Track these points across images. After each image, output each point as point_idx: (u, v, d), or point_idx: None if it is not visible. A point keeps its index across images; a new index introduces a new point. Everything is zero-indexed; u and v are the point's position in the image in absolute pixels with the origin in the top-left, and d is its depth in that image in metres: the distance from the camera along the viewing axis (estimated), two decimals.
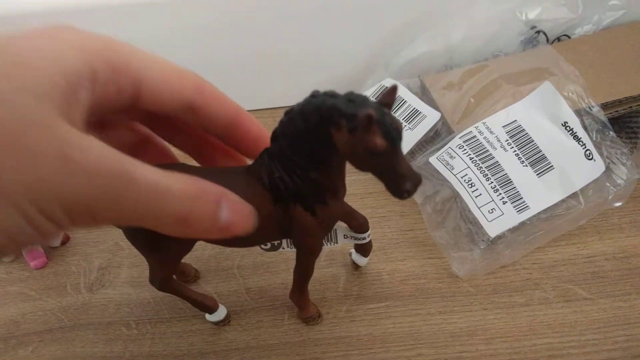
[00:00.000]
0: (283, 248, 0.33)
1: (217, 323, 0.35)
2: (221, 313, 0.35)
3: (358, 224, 0.33)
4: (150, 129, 0.26)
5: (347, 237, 0.34)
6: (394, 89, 0.21)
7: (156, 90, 0.21)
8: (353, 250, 0.37)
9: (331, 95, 0.21)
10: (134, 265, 0.39)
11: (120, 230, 0.42)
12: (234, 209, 0.20)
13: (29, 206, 0.16)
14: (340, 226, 0.33)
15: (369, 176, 0.44)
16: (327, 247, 0.34)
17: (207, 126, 0.23)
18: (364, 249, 0.36)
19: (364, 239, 0.34)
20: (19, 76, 0.16)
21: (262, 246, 0.33)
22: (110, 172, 0.16)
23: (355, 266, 0.37)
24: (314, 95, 0.22)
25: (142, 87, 0.20)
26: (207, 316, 0.35)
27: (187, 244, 0.29)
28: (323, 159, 0.23)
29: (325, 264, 0.38)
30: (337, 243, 0.34)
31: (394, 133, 0.20)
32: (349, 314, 0.35)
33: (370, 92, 0.45)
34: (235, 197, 0.20)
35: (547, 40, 0.47)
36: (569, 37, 0.48)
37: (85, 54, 0.18)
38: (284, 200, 0.25)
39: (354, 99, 0.21)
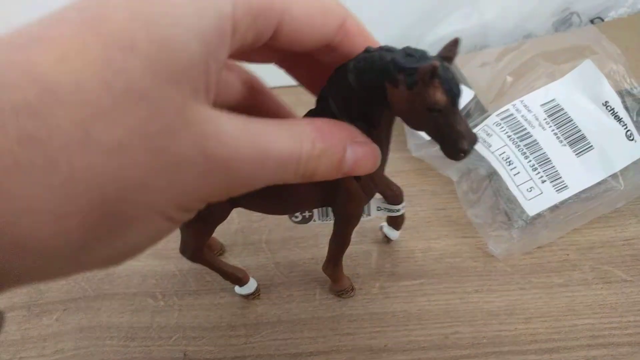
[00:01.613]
0: (314, 221, 0.32)
1: (247, 296, 0.34)
2: (252, 285, 0.34)
3: (393, 195, 0.32)
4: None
5: (381, 208, 0.33)
6: (455, 42, 0.20)
7: (296, 30, 0.18)
8: (384, 224, 0.36)
9: (387, 49, 0.20)
10: None
11: None
12: (360, 152, 0.20)
13: (174, 210, 0.16)
14: (375, 197, 0.32)
15: (398, 155, 0.44)
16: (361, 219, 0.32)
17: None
18: (396, 222, 0.35)
19: (398, 210, 0.33)
20: (156, 56, 0.14)
21: (293, 218, 0.32)
22: (247, 159, 0.16)
23: (387, 240, 0.37)
24: (368, 50, 0.20)
25: (283, 28, 0.18)
26: (237, 289, 0.34)
27: (224, 211, 0.28)
28: (372, 118, 0.22)
29: (357, 240, 0.37)
30: (369, 215, 0.33)
31: (455, 89, 0.19)
32: (382, 291, 0.34)
33: None
34: (361, 136, 0.20)
35: (580, 22, 0.46)
36: (603, 20, 0.47)
37: (225, 5, 0.16)
38: None
39: (412, 53, 0.19)
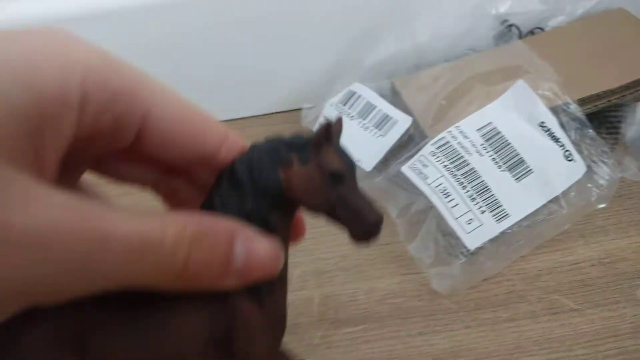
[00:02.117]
0: None
1: None
2: None
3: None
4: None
5: None
6: (339, 120, 0.18)
7: (169, 136, 0.16)
8: None
9: (272, 140, 0.19)
10: None
11: None
12: (255, 245, 0.16)
13: None
14: None
15: None
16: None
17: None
18: None
19: None
20: None
21: None
22: (77, 234, 0.12)
23: None
24: (253, 147, 0.19)
25: (149, 127, 0.16)
26: None
27: None
28: (268, 220, 0.18)
29: (298, 286, 0.36)
30: None
31: (350, 158, 0.18)
32: (324, 340, 0.33)
33: (338, 98, 0.43)
34: (251, 231, 0.16)
35: (520, 34, 0.45)
36: (543, 30, 0.46)
37: (74, 70, 0.13)
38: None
39: (299, 136, 0.18)
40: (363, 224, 0.18)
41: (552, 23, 0.46)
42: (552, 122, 0.35)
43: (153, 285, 0.14)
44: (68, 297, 0.14)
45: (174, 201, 0.21)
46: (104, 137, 0.16)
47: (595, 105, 0.39)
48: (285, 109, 0.50)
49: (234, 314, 0.18)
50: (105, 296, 0.15)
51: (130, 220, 0.13)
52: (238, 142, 0.19)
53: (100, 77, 0.14)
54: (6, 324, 0.15)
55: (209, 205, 0.19)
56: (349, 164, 0.18)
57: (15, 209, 0.12)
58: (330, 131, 0.17)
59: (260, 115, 0.51)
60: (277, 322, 0.20)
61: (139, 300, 0.17)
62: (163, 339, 0.17)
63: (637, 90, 0.40)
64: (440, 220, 0.36)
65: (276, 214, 0.18)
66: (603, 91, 0.39)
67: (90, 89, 0.14)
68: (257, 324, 0.18)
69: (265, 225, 0.18)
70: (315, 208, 0.18)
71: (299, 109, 0.47)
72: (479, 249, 0.34)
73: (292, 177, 0.18)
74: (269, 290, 0.19)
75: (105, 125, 0.15)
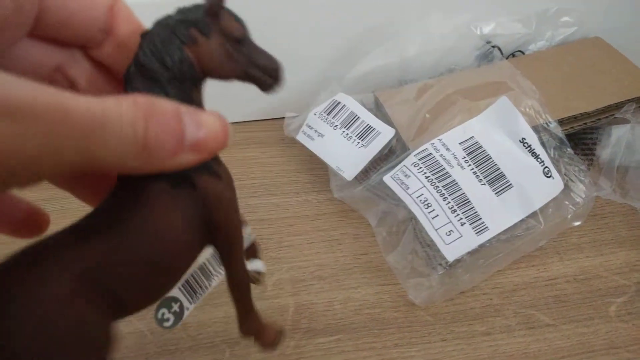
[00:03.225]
0: (187, 309, 0.26)
1: None
2: None
3: None
4: None
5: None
6: None
7: (63, 10, 0.17)
8: (248, 263, 0.29)
9: (159, 23, 0.19)
10: None
11: None
12: (203, 117, 0.16)
13: None
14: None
15: (321, 196, 0.42)
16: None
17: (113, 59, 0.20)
18: (253, 251, 0.29)
19: (249, 235, 0.27)
20: None
21: (165, 324, 0.26)
22: (40, 106, 0.13)
23: (257, 278, 0.29)
24: (145, 33, 0.19)
25: (45, 6, 0.17)
26: None
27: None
28: (193, 102, 0.19)
29: (274, 294, 0.35)
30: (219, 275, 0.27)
31: (239, 17, 0.20)
32: (297, 350, 0.32)
33: (322, 107, 0.43)
34: (191, 107, 0.16)
35: (502, 55, 0.46)
36: (523, 53, 0.47)
37: None
38: (182, 174, 0.19)
39: (187, 9, 0.19)
40: (271, 70, 0.20)
41: (533, 47, 0.47)
42: (533, 139, 0.36)
43: (118, 164, 0.15)
44: (42, 176, 0.14)
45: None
46: (9, 24, 0.16)
47: (572, 127, 0.40)
48: (267, 117, 0.50)
49: (205, 194, 0.19)
50: (89, 224, 0.18)
51: (86, 98, 0.14)
52: (124, 9, 0.20)
53: None
54: (13, 279, 0.16)
55: None
56: (243, 24, 0.19)
57: None
58: (220, 3, 0.18)
59: (242, 122, 0.50)
60: (231, 184, 0.22)
61: (121, 218, 0.18)
62: (153, 244, 0.18)
63: (612, 115, 0.41)
64: (419, 231, 0.35)
65: (195, 91, 0.20)
66: (580, 114, 0.40)
67: None
68: (224, 196, 0.20)
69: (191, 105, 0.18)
70: (229, 75, 0.19)
71: (282, 118, 0.47)
72: (457, 261, 0.34)
73: (201, 53, 0.19)
74: (217, 161, 0.20)
75: (6, 6, 0.16)
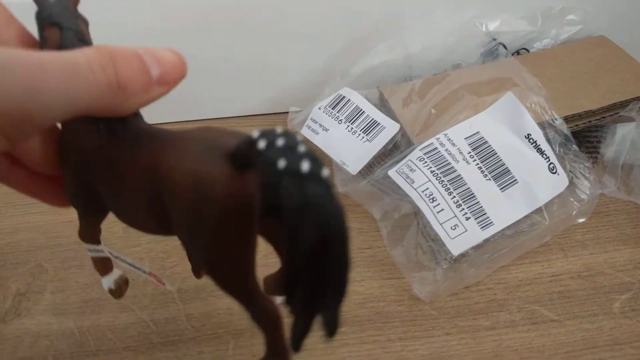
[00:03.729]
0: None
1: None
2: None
3: None
4: None
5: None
6: None
7: None
8: None
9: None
10: (58, 290, 0.35)
11: (46, 250, 0.37)
12: (157, 54, 0.18)
13: None
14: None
15: None
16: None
17: None
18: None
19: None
20: None
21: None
22: (21, 60, 0.14)
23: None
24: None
25: None
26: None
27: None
28: None
29: None
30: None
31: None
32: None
33: (327, 101, 0.43)
34: (149, 48, 0.18)
35: (507, 52, 0.46)
36: (528, 51, 0.47)
37: None
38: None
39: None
40: None
41: (538, 45, 0.47)
42: (539, 135, 0.36)
43: (101, 106, 0.16)
44: (35, 126, 0.15)
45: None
46: None
47: (576, 125, 0.40)
48: (271, 111, 0.50)
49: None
50: None
51: (56, 52, 0.16)
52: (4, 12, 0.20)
53: None
54: None
55: None
56: None
57: None
58: None
59: (246, 116, 0.50)
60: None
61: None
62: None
63: (617, 113, 0.41)
64: (423, 226, 0.35)
65: None
66: (585, 111, 0.40)
67: None
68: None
69: None
70: None
71: (286, 112, 0.47)
72: (462, 256, 0.34)
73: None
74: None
75: None
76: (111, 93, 0.16)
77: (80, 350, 0.32)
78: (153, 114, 0.22)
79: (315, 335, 0.32)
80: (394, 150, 0.41)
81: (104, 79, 0.16)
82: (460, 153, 0.36)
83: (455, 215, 0.34)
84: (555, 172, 0.36)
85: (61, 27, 0.20)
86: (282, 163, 0.14)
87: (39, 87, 0.15)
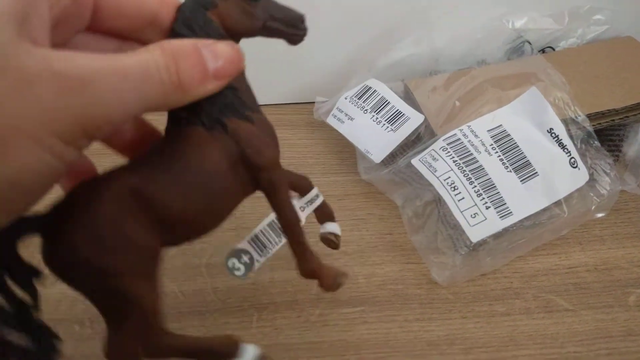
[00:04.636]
0: (257, 261, 0.29)
1: None
2: (250, 353, 0.25)
3: (302, 184, 0.29)
4: None
5: (304, 206, 0.29)
6: None
7: (116, 6, 0.20)
8: (321, 228, 0.31)
9: None
10: None
11: None
12: (218, 48, 0.19)
13: (50, 137, 0.15)
14: (294, 201, 0.28)
15: (348, 177, 0.43)
16: None
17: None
18: (326, 214, 0.31)
19: (317, 196, 0.29)
20: None
21: (236, 272, 0.28)
22: (105, 72, 0.16)
23: (332, 242, 0.31)
24: (178, 9, 0.21)
25: (100, 3, 0.19)
26: None
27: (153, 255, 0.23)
28: None
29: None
30: (301, 222, 0.28)
31: None
32: (321, 318, 0.33)
33: (353, 92, 0.44)
34: (208, 40, 0.20)
35: (532, 50, 0.47)
36: (553, 49, 0.48)
37: None
38: (215, 119, 0.22)
39: None
40: (297, 25, 0.22)
41: (563, 44, 0.48)
42: (561, 130, 0.37)
43: (164, 103, 0.18)
44: (114, 124, 0.17)
45: None
46: (68, 19, 0.19)
47: (599, 123, 0.41)
48: (297, 100, 0.51)
49: (236, 136, 0.22)
50: (141, 160, 0.21)
51: (129, 56, 0.17)
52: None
53: None
54: (73, 200, 0.20)
55: None
56: None
57: (57, 60, 0.15)
58: None
59: (272, 104, 0.51)
60: (270, 132, 0.24)
61: (169, 155, 0.21)
62: (196, 177, 0.21)
63: None
64: (445, 213, 0.36)
65: None
66: (608, 110, 0.40)
67: None
68: (255, 135, 0.23)
69: None
70: (251, 32, 0.22)
71: (312, 102, 0.48)
72: (481, 244, 0.35)
73: (222, 14, 0.21)
74: (251, 110, 0.23)
75: (69, 6, 0.18)
76: (173, 90, 0.18)
77: None
78: None
79: (336, 312, 0.34)
80: (416, 141, 0.42)
81: (168, 78, 0.18)
82: (483, 145, 0.37)
83: (476, 204, 0.35)
84: (576, 166, 0.36)
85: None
86: None
87: (122, 96, 0.16)
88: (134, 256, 0.21)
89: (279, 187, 0.24)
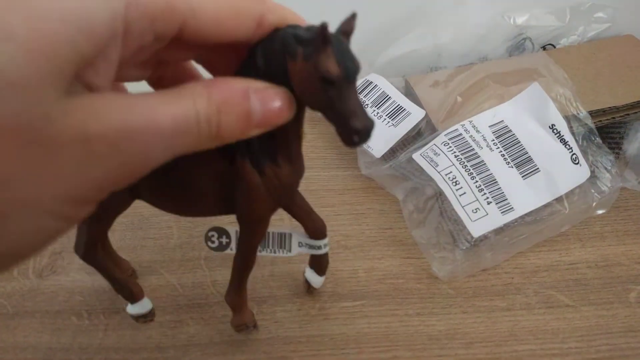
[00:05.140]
0: (231, 249, 0.29)
1: (137, 317, 0.30)
2: (145, 305, 0.30)
3: (314, 228, 0.29)
4: None
5: (302, 245, 0.30)
6: (353, 16, 0.19)
7: (203, 31, 0.18)
8: (307, 268, 0.32)
9: (293, 27, 0.19)
10: None
11: None
12: (268, 96, 0.18)
13: (63, 205, 0.15)
14: (296, 231, 0.29)
15: (348, 172, 0.43)
16: (280, 255, 0.30)
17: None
18: (319, 264, 0.31)
19: (320, 248, 0.29)
20: (34, 46, 0.13)
21: (209, 243, 0.29)
22: (138, 130, 0.15)
23: (308, 287, 0.33)
24: (274, 32, 0.19)
25: (188, 29, 0.17)
26: (128, 308, 0.30)
27: (121, 201, 0.26)
28: None
29: (299, 259, 0.36)
30: (290, 252, 0.29)
31: (348, 62, 0.18)
32: (322, 312, 0.33)
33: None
34: (260, 83, 0.18)
35: (533, 47, 0.47)
36: (554, 47, 0.48)
37: (117, 5, 0.15)
38: (230, 152, 0.22)
39: (311, 27, 0.19)
40: (350, 129, 0.18)
41: (564, 41, 0.48)
42: (563, 126, 0.36)
43: (193, 150, 0.17)
44: (134, 179, 0.16)
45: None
46: (150, 47, 0.17)
47: (600, 121, 0.41)
48: None
49: (238, 174, 0.22)
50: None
51: (169, 101, 0.16)
52: (278, 20, 0.19)
53: (139, 9, 0.16)
54: None
55: None
56: (346, 69, 0.18)
57: (91, 123, 0.14)
58: (326, 35, 0.17)
59: None
60: (277, 190, 0.23)
61: (168, 170, 0.20)
62: (184, 188, 0.23)
63: None
64: (446, 207, 0.36)
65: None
66: (609, 107, 0.40)
67: (131, 20, 0.15)
68: (255, 186, 0.22)
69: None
70: (310, 105, 0.19)
71: None
72: (482, 239, 0.35)
73: (295, 72, 0.19)
74: (270, 160, 0.22)
75: (147, 40, 0.17)
76: (209, 141, 0.17)
77: (112, 307, 0.33)
78: None
79: (336, 306, 0.34)
80: (417, 136, 0.42)
81: (207, 131, 0.16)
82: (484, 140, 0.37)
83: (477, 199, 0.35)
84: (578, 162, 0.36)
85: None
86: None
87: (150, 153, 0.15)
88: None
89: (249, 234, 0.26)
